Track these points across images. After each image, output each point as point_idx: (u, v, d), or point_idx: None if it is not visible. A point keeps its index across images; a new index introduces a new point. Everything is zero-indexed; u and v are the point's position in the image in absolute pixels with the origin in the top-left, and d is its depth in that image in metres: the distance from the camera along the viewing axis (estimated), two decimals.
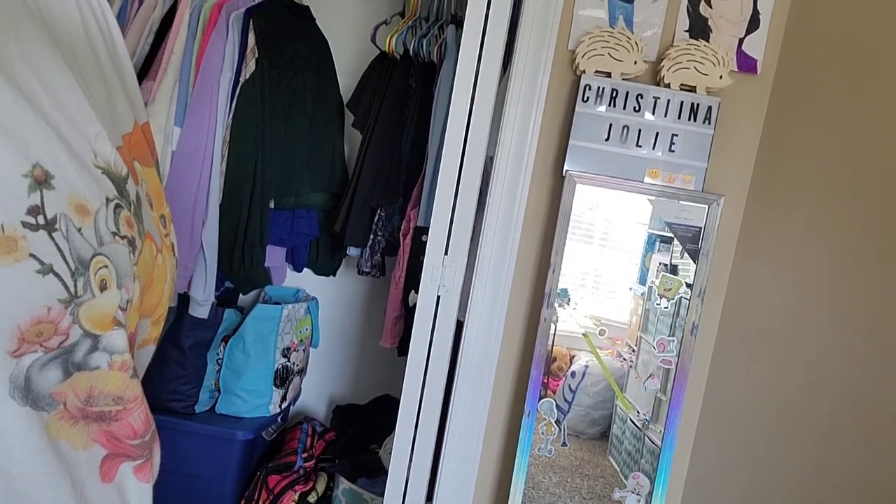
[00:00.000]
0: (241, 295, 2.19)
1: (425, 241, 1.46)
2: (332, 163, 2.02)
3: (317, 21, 2.00)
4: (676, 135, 1.40)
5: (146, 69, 1.64)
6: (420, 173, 1.90)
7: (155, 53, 1.65)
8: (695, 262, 1.41)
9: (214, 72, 1.64)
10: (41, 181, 0.41)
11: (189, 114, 1.63)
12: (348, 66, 2.13)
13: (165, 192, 1.61)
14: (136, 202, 0.50)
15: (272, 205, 1.88)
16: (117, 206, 0.47)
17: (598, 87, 1.39)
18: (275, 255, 2.02)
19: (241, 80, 1.69)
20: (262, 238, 1.78)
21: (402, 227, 1.92)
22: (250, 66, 1.70)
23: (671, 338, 1.42)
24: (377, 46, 1.98)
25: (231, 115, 1.68)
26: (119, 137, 0.51)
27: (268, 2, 1.79)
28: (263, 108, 1.74)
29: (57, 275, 0.42)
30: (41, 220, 0.41)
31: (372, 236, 1.98)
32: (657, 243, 1.45)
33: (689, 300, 1.41)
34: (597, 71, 1.40)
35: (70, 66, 0.45)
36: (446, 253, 1.39)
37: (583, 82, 1.39)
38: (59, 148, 0.42)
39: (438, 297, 1.39)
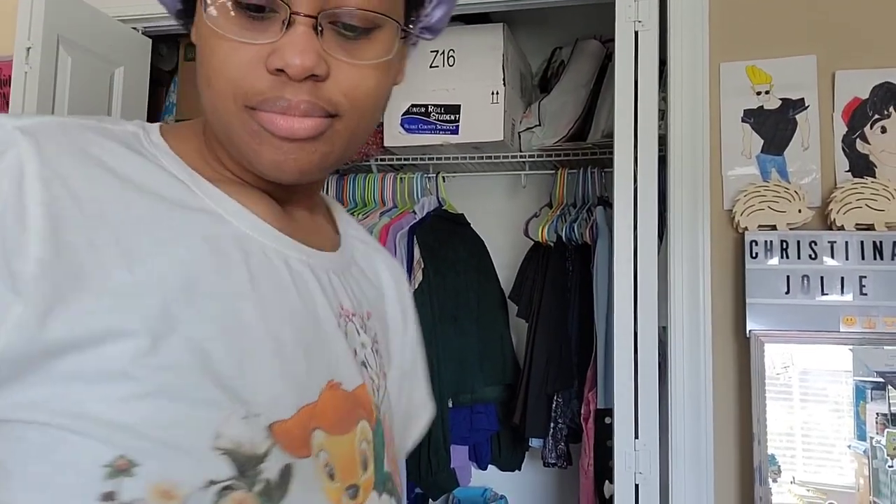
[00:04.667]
0: (430, 501, 2.17)
1: (609, 424, 1.40)
2: (503, 354, 2.05)
3: (471, 225, 2.14)
4: (865, 276, 1.31)
5: None
6: (591, 354, 1.88)
7: None
8: None
9: None
10: (122, 469, 0.41)
11: None
12: (505, 261, 2.23)
13: None
14: (278, 480, 0.46)
15: (450, 404, 1.91)
16: (225, 488, 0.44)
17: (766, 241, 1.35)
18: (458, 455, 2.02)
19: (412, 290, 1.82)
20: (446, 439, 1.80)
21: (583, 411, 1.86)
22: (418, 277, 1.82)
23: None
24: (531, 238, 2.07)
25: None
26: (289, 410, 0.49)
27: (428, 217, 1.95)
28: (433, 312, 1.84)
29: None
30: None
31: (552, 425, 1.93)
32: (868, 392, 1.30)
33: None
34: (760, 225, 1.37)
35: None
36: (637, 436, 1.32)
37: (747, 238, 1.36)
38: (167, 435, 0.43)
39: (637, 486, 1.30)
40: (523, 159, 2.12)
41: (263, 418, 0.47)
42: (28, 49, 1.66)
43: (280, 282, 0.53)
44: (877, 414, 1.28)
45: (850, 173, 1.37)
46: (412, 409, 0.72)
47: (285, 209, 0.58)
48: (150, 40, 1.93)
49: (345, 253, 0.64)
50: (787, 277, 1.34)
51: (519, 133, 2.09)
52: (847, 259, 1.32)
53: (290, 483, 0.47)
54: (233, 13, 0.49)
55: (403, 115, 2.01)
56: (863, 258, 1.32)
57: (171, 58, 2.36)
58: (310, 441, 0.49)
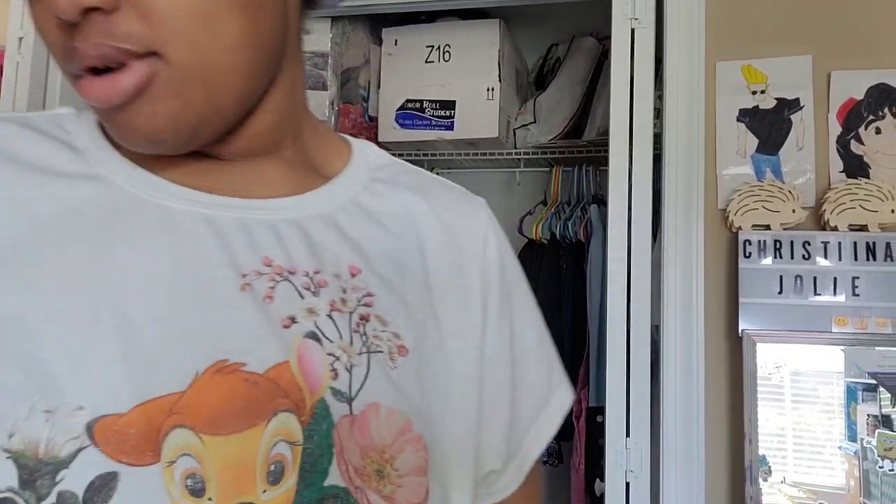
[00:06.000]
0: None
1: (601, 422, 1.40)
2: None
3: None
4: (858, 277, 1.31)
5: None
6: (584, 352, 1.88)
7: None
8: None
9: None
10: None
11: None
12: None
13: None
14: (87, 493, 0.36)
15: None
16: (3, 500, 0.35)
17: (759, 241, 1.35)
18: None
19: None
20: None
21: (574, 409, 1.86)
22: None
23: None
24: (524, 236, 2.07)
25: None
26: (126, 402, 0.38)
27: None
28: None
29: None
30: None
31: None
32: (859, 393, 1.30)
33: None
34: (753, 225, 1.37)
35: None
36: (628, 435, 1.32)
37: (741, 238, 1.36)
38: None
39: (628, 485, 1.30)
40: (518, 156, 2.12)
41: (86, 413, 0.37)
42: (20, 39, 1.65)
43: (150, 243, 0.43)
44: (867, 415, 1.28)
45: (844, 174, 1.37)
46: (520, 397, 0.56)
47: (222, 163, 0.49)
48: None
49: (323, 195, 0.51)
50: (781, 277, 1.33)
51: (514, 130, 2.08)
52: (840, 260, 1.32)
53: (111, 498, 0.36)
54: None
55: (398, 109, 2.00)
56: (856, 259, 1.32)
57: None
58: (159, 443, 0.38)
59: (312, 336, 0.44)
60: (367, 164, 0.56)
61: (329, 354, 0.44)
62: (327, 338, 0.44)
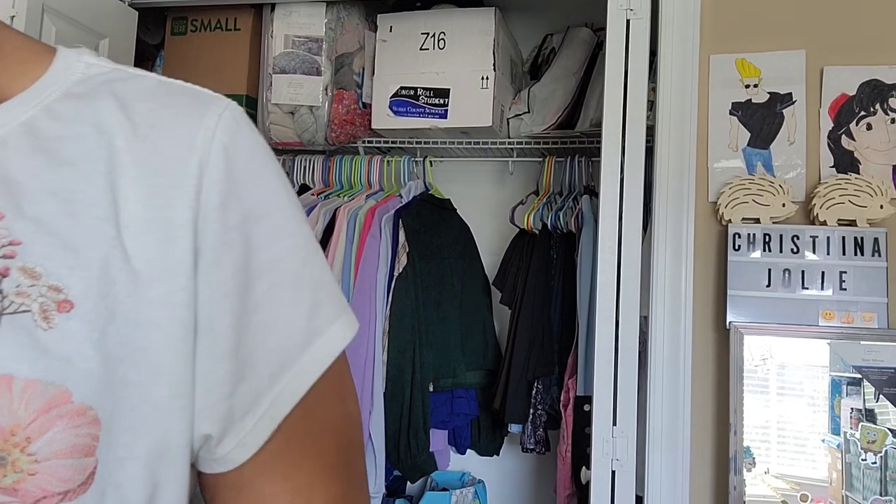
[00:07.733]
0: (408, 484, 2.18)
1: (588, 411, 1.41)
2: (485, 340, 2.05)
3: (457, 210, 2.14)
4: (845, 272, 1.32)
5: None
6: (572, 341, 1.89)
7: None
8: None
9: (371, 270, 1.78)
10: None
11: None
12: (490, 247, 2.23)
13: None
14: None
15: (431, 388, 1.92)
16: None
17: (749, 234, 1.36)
18: (437, 439, 2.02)
19: (395, 273, 1.82)
20: (426, 422, 1.80)
21: (562, 398, 1.87)
22: (402, 261, 1.82)
23: (887, 498, 1.24)
24: (516, 225, 2.07)
25: (388, 307, 1.78)
26: None
27: (414, 201, 1.95)
28: (417, 297, 1.84)
29: None
30: None
31: (532, 411, 1.94)
32: (844, 386, 1.32)
33: None
34: (743, 218, 1.38)
35: None
36: (615, 423, 1.33)
37: (731, 231, 1.37)
38: None
39: (613, 473, 1.31)
40: (511, 146, 2.12)
41: None
42: (12, 18, 1.63)
43: None
44: (851, 409, 1.29)
45: (834, 169, 1.38)
46: (267, 337, 0.45)
47: None
48: (137, 12, 1.90)
49: None
50: (769, 270, 1.35)
51: (508, 119, 2.08)
52: (828, 254, 1.33)
53: None
54: None
55: (392, 97, 1.99)
56: (843, 254, 1.33)
57: (157, 31, 2.32)
58: None
59: None
60: (66, 79, 0.46)
61: None
62: None
